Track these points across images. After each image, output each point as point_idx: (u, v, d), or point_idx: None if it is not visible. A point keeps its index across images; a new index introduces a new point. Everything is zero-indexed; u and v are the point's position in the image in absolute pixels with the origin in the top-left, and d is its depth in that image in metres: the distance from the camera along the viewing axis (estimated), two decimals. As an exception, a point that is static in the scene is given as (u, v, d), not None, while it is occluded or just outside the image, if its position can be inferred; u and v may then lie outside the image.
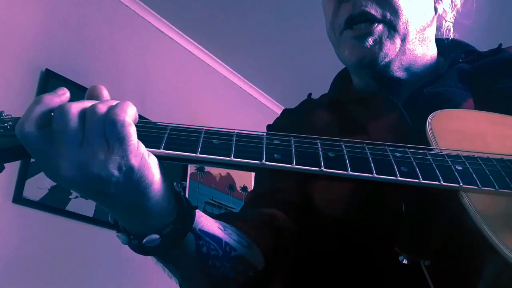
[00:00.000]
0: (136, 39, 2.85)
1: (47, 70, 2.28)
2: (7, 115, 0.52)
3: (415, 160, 0.56)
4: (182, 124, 0.55)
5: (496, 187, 0.55)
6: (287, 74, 3.48)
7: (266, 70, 3.50)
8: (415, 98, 0.82)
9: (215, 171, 3.14)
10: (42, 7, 2.38)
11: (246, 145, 0.54)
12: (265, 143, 0.54)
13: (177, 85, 3.05)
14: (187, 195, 2.17)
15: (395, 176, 0.53)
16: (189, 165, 2.88)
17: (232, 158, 0.52)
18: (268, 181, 0.86)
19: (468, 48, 0.91)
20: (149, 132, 0.53)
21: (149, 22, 2.96)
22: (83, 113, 0.49)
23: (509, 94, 0.77)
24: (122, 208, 0.52)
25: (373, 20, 0.81)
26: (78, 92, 2.02)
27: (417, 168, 0.55)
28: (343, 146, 0.56)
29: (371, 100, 0.86)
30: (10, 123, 0.51)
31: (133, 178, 0.49)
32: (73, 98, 0.51)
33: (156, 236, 0.54)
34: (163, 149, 0.51)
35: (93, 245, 2.24)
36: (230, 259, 0.63)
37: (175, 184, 0.56)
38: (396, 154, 0.57)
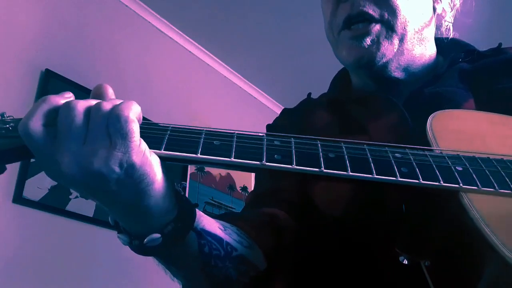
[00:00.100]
0: (136, 39, 2.85)
1: (47, 70, 2.28)
2: (8, 116, 0.52)
3: (415, 161, 0.56)
4: (183, 125, 0.55)
5: (496, 187, 0.55)
6: (287, 74, 3.48)
7: (266, 70, 3.50)
8: (415, 98, 0.81)
9: (215, 171, 3.14)
10: (42, 7, 2.38)
11: (246, 146, 0.54)
12: (265, 144, 0.54)
13: (177, 85, 3.05)
14: (187, 195, 2.17)
15: (395, 176, 0.54)
16: (189, 165, 2.88)
17: (233, 159, 0.52)
18: (269, 181, 0.86)
19: (468, 48, 0.91)
20: (150, 133, 0.53)
21: (149, 22, 2.96)
22: (88, 110, 0.49)
23: (509, 95, 0.77)
24: (123, 207, 0.52)
25: (371, 20, 0.82)
26: (79, 92, 2.02)
27: (417, 169, 0.55)
28: (343, 146, 0.56)
29: (371, 100, 0.86)
30: (12, 124, 0.51)
31: (134, 175, 0.48)
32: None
33: (157, 235, 0.53)
34: (164, 150, 0.51)
35: (93, 245, 2.24)
36: (232, 259, 0.62)
37: (175, 184, 0.56)
38: (396, 154, 0.57)
